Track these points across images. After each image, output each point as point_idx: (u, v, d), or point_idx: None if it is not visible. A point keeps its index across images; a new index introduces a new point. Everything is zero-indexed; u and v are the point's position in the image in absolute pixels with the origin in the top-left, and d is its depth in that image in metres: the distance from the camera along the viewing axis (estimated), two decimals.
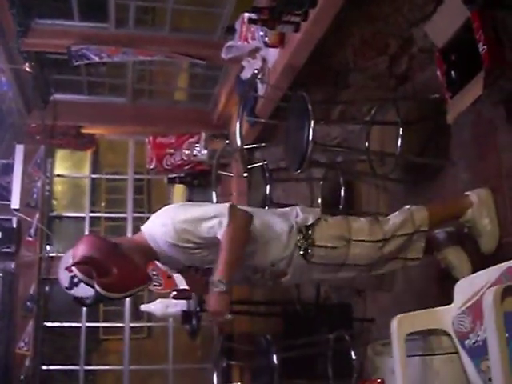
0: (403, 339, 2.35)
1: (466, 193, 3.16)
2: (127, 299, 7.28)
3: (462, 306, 2.30)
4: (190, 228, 2.55)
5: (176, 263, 2.72)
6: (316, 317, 4.72)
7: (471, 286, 2.30)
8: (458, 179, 3.45)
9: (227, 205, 2.61)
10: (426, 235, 2.95)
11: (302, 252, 2.73)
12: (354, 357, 3.83)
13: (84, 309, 7.20)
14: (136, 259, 2.54)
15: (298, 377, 4.58)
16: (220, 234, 2.52)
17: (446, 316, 2.39)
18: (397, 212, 3.01)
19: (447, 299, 2.48)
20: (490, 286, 2.09)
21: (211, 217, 2.57)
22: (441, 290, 3.43)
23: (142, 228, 2.68)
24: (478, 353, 2.15)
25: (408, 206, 3.02)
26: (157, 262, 2.81)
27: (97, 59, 5.71)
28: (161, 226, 2.60)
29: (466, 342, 2.24)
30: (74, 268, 2.43)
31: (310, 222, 2.79)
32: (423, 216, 2.95)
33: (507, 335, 1.86)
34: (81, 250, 2.47)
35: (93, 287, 2.41)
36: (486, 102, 3.16)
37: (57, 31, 5.65)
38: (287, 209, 2.91)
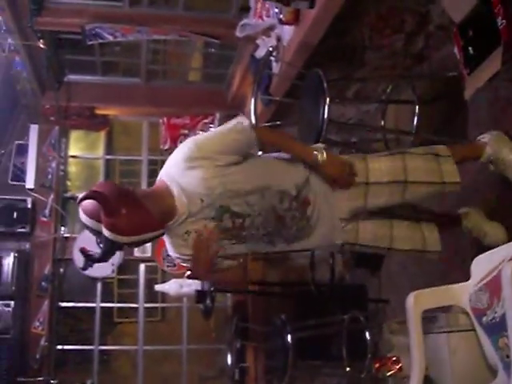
0: (419, 316, 2.33)
1: (477, 138, 3.10)
2: (141, 281, 7.32)
3: (479, 283, 2.27)
4: (211, 137, 2.51)
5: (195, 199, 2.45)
6: (330, 298, 4.70)
7: (489, 262, 2.27)
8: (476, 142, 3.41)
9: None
10: (452, 160, 2.83)
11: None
12: (368, 337, 3.82)
13: (99, 289, 7.26)
14: (150, 206, 2.34)
15: (313, 357, 4.59)
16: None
17: (462, 293, 2.36)
18: None
19: (464, 279, 2.45)
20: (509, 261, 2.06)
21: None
22: (458, 270, 3.41)
23: (159, 175, 2.54)
24: (496, 330, 2.12)
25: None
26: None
27: (111, 38, 5.68)
28: (179, 153, 2.47)
29: (483, 318, 2.21)
30: (81, 212, 2.29)
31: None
32: (443, 147, 2.90)
33: None
34: (92, 189, 2.32)
35: (100, 234, 2.28)
36: (504, 79, 3.12)
37: (71, 10, 5.62)
38: None
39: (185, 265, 2.62)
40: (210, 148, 2.42)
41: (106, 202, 2.22)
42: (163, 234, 2.45)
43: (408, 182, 2.73)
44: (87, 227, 2.31)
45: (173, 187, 2.40)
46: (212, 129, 6.75)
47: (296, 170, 2.65)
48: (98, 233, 2.28)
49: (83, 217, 2.29)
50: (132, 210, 2.28)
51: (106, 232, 2.24)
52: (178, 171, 2.42)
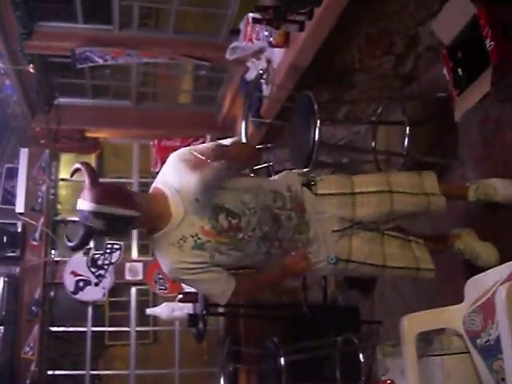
0: (413, 339, 2.32)
1: None
2: (132, 305, 7.27)
3: (472, 305, 2.26)
4: (202, 145, 2.56)
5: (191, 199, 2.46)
6: (323, 319, 4.68)
7: (482, 284, 2.26)
8: (466, 178, 3.42)
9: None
10: (434, 175, 2.97)
11: (304, 184, 2.74)
12: (361, 359, 3.80)
13: (90, 313, 7.22)
14: (137, 200, 2.36)
15: (306, 380, 4.55)
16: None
17: (456, 315, 2.35)
18: None
19: (457, 300, 2.44)
20: (502, 284, 2.05)
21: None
22: (450, 291, 3.40)
23: (153, 184, 2.55)
24: (490, 352, 2.11)
25: None
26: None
27: (101, 61, 5.68)
28: (173, 158, 2.52)
29: (478, 341, 2.20)
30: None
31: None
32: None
33: None
34: None
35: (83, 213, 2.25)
36: (494, 100, 3.13)
37: (61, 33, 5.64)
38: None
39: (181, 278, 2.54)
40: (204, 150, 2.48)
41: (93, 173, 2.27)
42: (134, 220, 2.33)
43: (393, 191, 2.80)
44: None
45: (167, 192, 2.43)
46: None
47: (288, 176, 2.78)
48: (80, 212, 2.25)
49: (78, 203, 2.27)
50: (116, 188, 2.34)
51: (85, 204, 2.22)
52: (174, 174, 2.45)
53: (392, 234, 2.91)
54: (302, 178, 2.78)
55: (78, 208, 2.26)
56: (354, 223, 2.76)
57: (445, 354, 2.39)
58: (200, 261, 2.43)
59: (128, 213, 2.29)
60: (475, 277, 2.39)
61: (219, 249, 2.45)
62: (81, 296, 6.99)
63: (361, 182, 2.80)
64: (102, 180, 2.35)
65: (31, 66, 5.66)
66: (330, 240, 2.72)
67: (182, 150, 2.53)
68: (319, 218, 2.70)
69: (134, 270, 7.08)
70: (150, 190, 2.51)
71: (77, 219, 2.33)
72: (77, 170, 2.32)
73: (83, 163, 2.31)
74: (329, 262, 2.72)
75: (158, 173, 2.61)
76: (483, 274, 2.35)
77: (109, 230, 2.34)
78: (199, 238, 2.40)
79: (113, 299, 7.97)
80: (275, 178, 2.86)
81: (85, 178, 2.26)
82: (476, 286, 2.32)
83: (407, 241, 2.94)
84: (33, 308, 6.77)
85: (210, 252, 2.43)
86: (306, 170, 2.92)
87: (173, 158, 2.51)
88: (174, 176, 2.45)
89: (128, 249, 7.30)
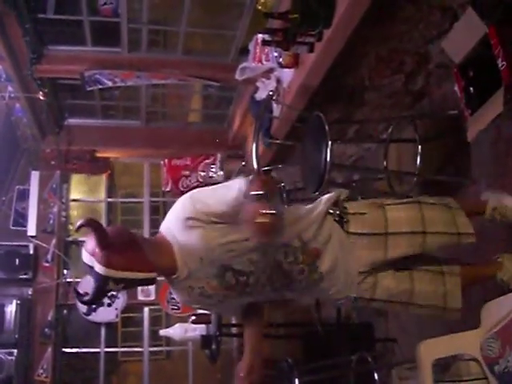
0: (430, 365, 2.29)
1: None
2: (145, 324, 7.26)
3: (489, 330, 2.24)
4: (209, 195, 2.35)
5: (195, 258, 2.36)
6: (337, 337, 4.64)
7: (499, 309, 2.24)
8: (478, 196, 3.39)
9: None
10: (463, 212, 2.81)
11: (336, 219, 2.60)
12: (376, 378, 3.76)
13: (103, 335, 7.22)
14: (149, 253, 2.26)
15: None
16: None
17: (473, 340, 2.33)
18: None
19: (471, 319, 2.42)
20: None
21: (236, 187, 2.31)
22: (464, 310, 3.36)
23: (160, 228, 2.45)
24: (509, 379, 2.08)
25: None
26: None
27: (110, 84, 5.71)
28: (177, 207, 2.38)
29: (496, 367, 2.17)
30: (83, 249, 2.20)
31: (343, 197, 2.69)
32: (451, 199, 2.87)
33: None
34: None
35: (92, 270, 2.16)
36: (506, 118, 3.11)
37: (70, 57, 5.67)
38: None
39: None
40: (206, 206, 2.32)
41: (101, 232, 2.13)
42: (154, 280, 2.31)
43: (427, 232, 2.67)
44: (84, 265, 2.21)
45: (173, 244, 2.33)
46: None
47: (302, 221, 2.54)
48: (90, 268, 2.17)
49: (83, 253, 2.20)
50: (126, 247, 2.20)
51: (96, 266, 2.13)
52: (177, 229, 2.34)
53: (424, 269, 2.75)
54: (333, 211, 2.63)
55: (90, 266, 2.17)
56: (382, 265, 2.64)
57: (462, 381, 2.37)
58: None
59: (147, 276, 2.26)
60: (491, 301, 2.36)
61: (226, 297, 2.43)
62: (93, 317, 6.99)
63: (395, 220, 2.66)
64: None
65: (41, 92, 5.69)
66: (355, 279, 2.61)
67: (195, 195, 2.38)
68: (344, 254, 2.58)
69: (147, 291, 7.07)
70: (158, 235, 2.42)
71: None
72: (81, 227, 2.17)
73: (90, 222, 2.15)
74: (349, 299, 2.65)
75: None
76: (500, 298, 2.32)
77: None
78: (206, 291, 2.38)
79: (126, 315, 7.98)
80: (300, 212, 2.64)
81: (92, 237, 2.14)
82: (493, 311, 2.29)
83: (440, 273, 2.77)
84: (46, 330, 6.77)
85: (216, 298, 2.43)
86: (339, 196, 2.77)
87: (179, 209, 2.38)
88: (179, 231, 2.34)
89: None
